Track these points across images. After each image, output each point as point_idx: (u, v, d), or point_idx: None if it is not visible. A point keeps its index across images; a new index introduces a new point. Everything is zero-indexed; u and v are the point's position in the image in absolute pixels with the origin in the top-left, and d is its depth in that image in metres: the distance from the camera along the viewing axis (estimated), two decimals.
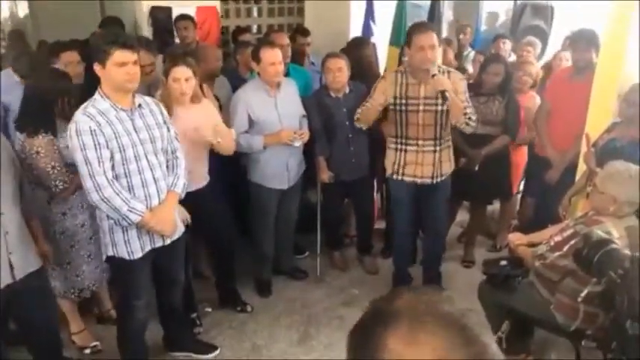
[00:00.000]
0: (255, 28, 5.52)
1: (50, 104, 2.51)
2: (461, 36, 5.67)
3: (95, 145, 2.18)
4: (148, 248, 2.44)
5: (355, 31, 4.97)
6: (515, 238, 2.72)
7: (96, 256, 2.78)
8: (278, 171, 3.30)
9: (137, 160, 2.30)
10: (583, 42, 3.36)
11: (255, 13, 5.69)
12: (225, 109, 3.33)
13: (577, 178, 3.16)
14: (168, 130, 2.46)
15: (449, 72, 3.06)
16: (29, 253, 2.37)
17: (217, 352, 3.00)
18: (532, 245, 2.61)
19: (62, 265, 2.73)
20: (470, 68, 5.04)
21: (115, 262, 2.43)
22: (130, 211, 2.26)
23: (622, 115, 2.85)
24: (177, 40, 4.39)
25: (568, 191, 3.07)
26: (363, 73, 3.73)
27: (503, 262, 3.80)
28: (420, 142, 3.08)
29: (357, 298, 3.55)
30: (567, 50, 4.46)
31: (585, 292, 2.25)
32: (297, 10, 5.68)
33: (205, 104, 2.92)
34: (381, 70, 4.34)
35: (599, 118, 3.00)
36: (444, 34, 5.54)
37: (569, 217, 2.84)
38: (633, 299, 1.82)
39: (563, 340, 2.58)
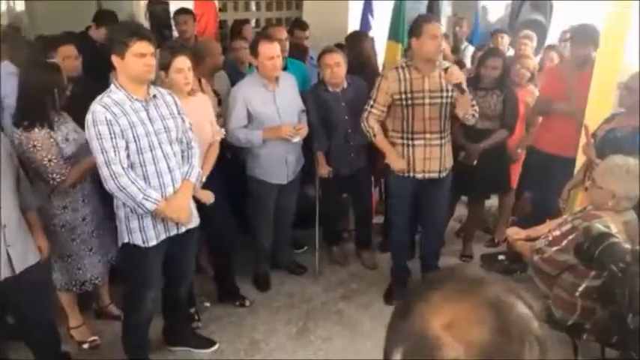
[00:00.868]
0: (253, 22, 5.50)
1: (43, 98, 2.50)
2: (457, 28, 5.63)
3: (111, 134, 2.23)
4: (162, 237, 2.48)
5: (354, 25, 4.96)
6: (514, 233, 2.73)
7: (98, 250, 2.79)
8: (277, 166, 3.30)
9: (152, 149, 2.34)
10: (582, 37, 3.36)
11: (253, 7, 5.67)
12: (224, 104, 3.32)
13: (575, 171, 3.17)
14: (183, 120, 2.50)
15: (450, 66, 3.02)
16: (28, 246, 2.38)
17: (216, 346, 3.00)
18: (530, 240, 2.62)
19: (63, 258, 2.73)
20: (468, 63, 5.03)
21: (129, 250, 2.46)
22: (146, 199, 2.30)
23: (623, 104, 2.84)
24: (175, 34, 4.37)
25: (567, 184, 3.07)
26: (362, 67, 3.72)
27: (502, 257, 3.83)
28: (428, 136, 3.07)
29: (355, 293, 3.56)
30: (564, 43, 4.48)
31: (583, 286, 2.26)
32: (295, 3, 5.66)
33: (201, 98, 2.92)
34: (380, 65, 4.34)
35: (599, 110, 3.00)
36: (443, 29, 5.52)
37: (567, 211, 2.85)
38: (634, 293, 1.83)
39: (562, 337, 2.59)
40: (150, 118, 2.35)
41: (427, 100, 3.00)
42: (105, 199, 2.62)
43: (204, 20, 4.64)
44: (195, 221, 2.61)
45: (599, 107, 3.02)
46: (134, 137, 2.29)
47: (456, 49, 5.38)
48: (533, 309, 0.69)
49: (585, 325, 2.37)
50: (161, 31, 4.46)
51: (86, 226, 2.73)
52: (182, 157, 2.50)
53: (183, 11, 4.25)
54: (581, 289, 2.27)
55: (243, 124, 3.18)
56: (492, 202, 4.31)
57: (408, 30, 3.30)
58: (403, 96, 3.02)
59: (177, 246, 2.57)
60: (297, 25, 4.50)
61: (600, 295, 2.19)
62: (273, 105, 3.19)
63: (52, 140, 2.51)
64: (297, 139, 3.22)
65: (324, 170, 3.49)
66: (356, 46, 3.86)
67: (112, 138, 2.23)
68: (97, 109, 2.24)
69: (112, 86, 2.32)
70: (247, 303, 3.39)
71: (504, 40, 4.72)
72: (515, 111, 3.66)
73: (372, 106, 3.11)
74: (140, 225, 2.41)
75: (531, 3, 5.74)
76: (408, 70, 3.02)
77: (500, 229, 4.05)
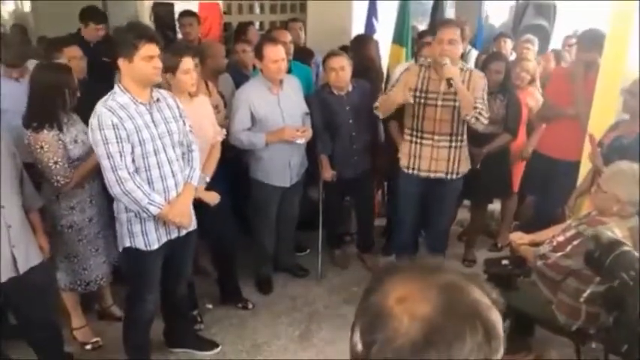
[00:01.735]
0: (257, 25, 5.51)
1: (53, 98, 2.50)
2: None
3: (117, 138, 2.21)
4: (164, 240, 2.48)
5: (358, 28, 4.96)
6: (517, 238, 2.72)
7: (103, 251, 2.79)
8: (280, 168, 3.30)
9: (156, 153, 2.34)
10: (588, 42, 3.36)
11: (257, 10, 5.68)
12: (228, 106, 3.32)
13: (579, 176, 3.17)
14: (184, 123, 2.49)
15: (471, 70, 3.05)
16: (31, 247, 2.38)
17: (218, 349, 3.00)
18: (534, 245, 2.61)
19: (69, 259, 2.74)
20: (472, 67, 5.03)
21: (130, 254, 2.45)
22: (150, 203, 2.30)
23: (626, 109, 2.85)
24: (179, 37, 4.38)
25: (573, 192, 3.06)
26: (366, 70, 3.72)
27: (505, 262, 3.81)
28: (436, 137, 3.08)
29: (357, 296, 3.45)
30: (568, 48, 4.48)
31: (588, 292, 2.25)
32: (299, 6, 5.68)
33: (202, 99, 2.92)
34: (384, 68, 4.34)
35: (603, 116, 3.00)
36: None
37: (572, 217, 2.84)
38: None
39: (564, 339, 2.59)
40: (154, 122, 2.34)
41: (440, 102, 3.02)
42: (111, 200, 2.61)
43: (209, 23, 4.65)
44: (193, 224, 2.61)
45: (603, 113, 3.02)
46: (139, 141, 2.27)
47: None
48: (491, 297, 0.73)
49: (589, 330, 2.37)
50: (165, 32, 4.48)
51: (92, 226, 2.74)
52: (183, 160, 2.50)
53: (187, 13, 4.26)
54: (585, 294, 2.26)
55: (247, 127, 3.18)
56: (495, 206, 4.31)
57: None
58: (417, 94, 3.05)
59: (176, 248, 2.57)
60: (290, 20, 4.58)
61: (606, 301, 2.19)
62: (277, 108, 3.20)
63: (60, 142, 2.51)
64: (300, 142, 3.22)
65: (328, 174, 3.49)
66: (361, 49, 3.87)
67: (118, 142, 2.21)
68: (102, 112, 2.21)
69: (117, 88, 2.28)
70: (250, 305, 3.39)
71: (507, 45, 4.71)
72: (518, 115, 3.66)
73: (388, 90, 3.18)
74: (142, 229, 2.40)
75: (535, 7, 5.74)
76: (428, 70, 3.06)
77: (503, 234, 4.04)
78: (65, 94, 2.52)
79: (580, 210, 3.03)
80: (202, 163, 2.86)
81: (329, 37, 4.45)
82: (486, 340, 0.68)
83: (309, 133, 3.26)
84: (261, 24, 5.62)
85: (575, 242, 2.30)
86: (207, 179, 2.86)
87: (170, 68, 2.64)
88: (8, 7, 5.19)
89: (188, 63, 2.67)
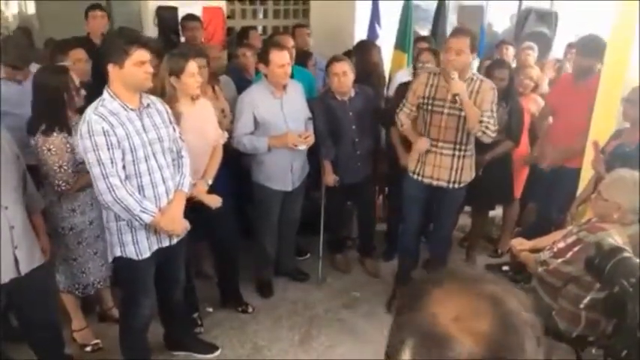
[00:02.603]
0: (260, 29, 5.54)
1: (53, 101, 2.51)
2: None
3: (108, 145, 2.17)
4: (155, 248, 2.46)
5: (360, 33, 4.98)
6: (518, 244, 2.72)
7: (102, 254, 2.78)
8: (282, 173, 3.31)
9: (147, 160, 2.31)
10: (586, 48, 3.37)
11: (260, 15, 5.70)
12: (230, 110, 3.33)
13: (580, 184, 3.17)
14: (174, 129, 2.47)
15: (482, 80, 3.02)
16: (34, 248, 2.39)
17: (218, 352, 3.00)
18: (535, 251, 2.61)
19: (68, 261, 2.74)
20: None
21: (122, 263, 2.43)
22: (143, 211, 2.27)
23: (627, 118, 2.86)
24: (182, 40, 4.39)
25: (575, 199, 3.07)
26: (369, 76, 3.74)
27: (506, 268, 3.82)
28: (440, 145, 3.08)
29: (358, 301, 3.56)
30: (570, 56, 4.49)
31: (588, 298, 2.26)
32: (302, 11, 5.70)
33: (204, 102, 2.92)
34: (386, 74, 4.36)
35: (604, 123, 3.01)
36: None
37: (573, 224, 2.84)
38: None
39: (564, 345, 2.58)
40: (144, 128, 2.30)
41: (446, 110, 3.00)
42: None
43: (212, 27, 4.66)
44: (184, 231, 2.56)
45: (605, 121, 3.03)
46: (130, 147, 2.23)
47: None
48: (524, 303, 0.72)
49: (589, 337, 2.37)
50: (168, 36, 4.49)
51: (93, 229, 2.74)
52: (173, 166, 2.47)
53: (191, 17, 4.27)
54: (586, 301, 2.27)
55: (250, 131, 3.20)
56: (497, 212, 4.31)
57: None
58: (426, 100, 3.05)
59: (168, 256, 2.55)
60: (297, 26, 4.58)
61: (606, 307, 2.19)
62: (280, 112, 3.21)
63: (67, 146, 2.52)
64: (303, 147, 3.23)
65: (330, 179, 3.50)
66: (364, 54, 3.89)
67: (109, 149, 2.17)
68: (92, 118, 2.16)
69: (106, 94, 2.24)
70: (250, 309, 3.39)
71: (509, 52, 4.73)
72: (521, 122, 3.67)
73: (404, 105, 3.17)
74: (133, 238, 2.37)
75: (537, 15, 5.76)
76: (438, 77, 3.05)
77: (504, 240, 4.05)
78: (64, 96, 2.53)
79: (582, 217, 3.03)
80: (204, 167, 2.88)
81: (332, 42, 4.47)
82: (538, 344, 0.69)
83: (312, 139, 3.26)
84: (264, 29, 5.64)
85: (575, 249, 2.30)
86: (210, 182, 2.87)
87: (175, 71, 2.65)
88: (12, 10, 5.21)
89: (193, 67, 2.67)
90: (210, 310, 3.37)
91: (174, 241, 2.52)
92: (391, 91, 3.96)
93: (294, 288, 3.68)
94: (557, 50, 5.30)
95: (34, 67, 2.91)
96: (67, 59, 3.01)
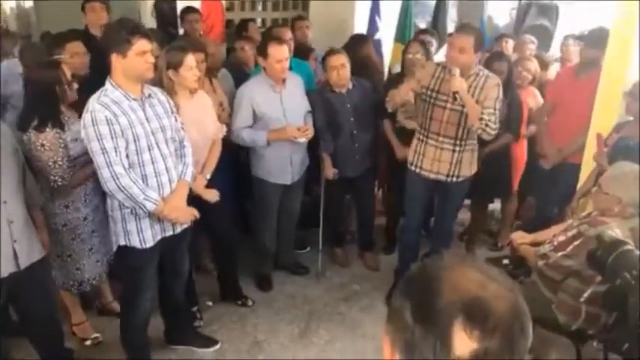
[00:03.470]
0: (259, 22, 5.51)
1: (45, 95, 2.49)
2: None
3: (112, 134, 2.19)
4: (159, 237, 2.47)
5: (360, 26, 4.96)
6: (519, 237, 2.72)
7: (97, 250, 2.77)
8: (281, 166, 3.30)
9: (150, 149, 2.32)
10: (592, 40, 3.35)
11: (259, 7, 5.68)
12: (228, 103, 3.32)
13: (580, 177, 3.16)
14: (176, 119, 2.49)
15: (487, 76, 2.98)
16: (33, 242, 2.38)
17: (218, 345, 3.00)
18: (535, 244, 2.61)
19: (62, 258, 2.72)
20: None
21: (126, 252, 2.44)
22: (146, 199, 2.29)
23: (630, 112, 2.85)
24: (180, 32, 4.37)
25: (576, 193, 3.06)
26: (363, 69, 3.71)
27: (506, 261, 3.81)
28: (440, 139, 3.06)
29: (357, 294, 3.56)
30: (565, 48, 4.48)
31: (588, 292, 2.25)
32: (301, 4, 5.67)
33: (202, 96, 2.91)
34: (386, 66, 4.34)
35: (605, 116, 3.00)
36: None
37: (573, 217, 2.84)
38: None
39: (564, 339, 2.59)
40: (147, 118, 2.32)
41: (448, 105, 2.97)
42: (105, 198, 2.60)
43: (211, 19, 4.63)
44: (189, 218, 2.58)
45: (606, 114, 3.02)
46: (134, 137, 2.25)
47: None
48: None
49: (589, 330, 2.37)
50: (167, 29, 4.47)
51: (87, 225, 2.71)
52: (176, 156, 2.48)
53: (190, 10, 4.25)
54: (586, 294, 2.26)
55: (249, 124, 3.18)
56: (496, 205, 4.31)
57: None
58: (429, 92, 3.02)
59: (171, 246, 2.56)
60: (297, 19, 4.54)
61: (607, 301, 2.19)
62: (279, 106, 3.19)
63: (61, 141, 2.49)
64: (302, 140, 3.22)
65: (330, 172, 3.49)
66: (357, 47, 3.85)
67: (112, 138, 2.19)
68: (96, 108, 2.19)
69: (108, 85, 2.26)
70: (249, 303, 3.39)
71: (509, 45, 4.71)
72: (520, 115, 3.67)
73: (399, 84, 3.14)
74: (137, 227, 2.38)
75: (538, 8, 5.73)
76: (444, 71, 3.00)
77: (504, 233, 4.06)
78: (55, 90, 2.51)
79: (583, 210, 3.03)
80: (203, 160, 2.87)
81: (331, 34, 4.44)
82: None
83: (311, 132, 3.25)
84: (263, 21, 5.61)
85: (576, 242, 2.30)
86: (208, 176, 2.86)
87: (173, 64, 2.63)
88: (10, 3, 5.18)
89: (192, 60, 2.66)
90: (210, 303, 3.37)
91: (178, 230, 2.53)
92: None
93: (293, 282, 3.68)
94: (559, 43, 5.28)
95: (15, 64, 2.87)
96: (63, 52, 2.99)
